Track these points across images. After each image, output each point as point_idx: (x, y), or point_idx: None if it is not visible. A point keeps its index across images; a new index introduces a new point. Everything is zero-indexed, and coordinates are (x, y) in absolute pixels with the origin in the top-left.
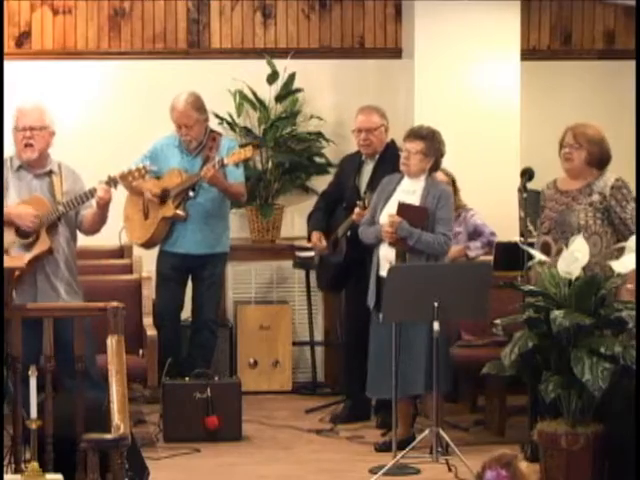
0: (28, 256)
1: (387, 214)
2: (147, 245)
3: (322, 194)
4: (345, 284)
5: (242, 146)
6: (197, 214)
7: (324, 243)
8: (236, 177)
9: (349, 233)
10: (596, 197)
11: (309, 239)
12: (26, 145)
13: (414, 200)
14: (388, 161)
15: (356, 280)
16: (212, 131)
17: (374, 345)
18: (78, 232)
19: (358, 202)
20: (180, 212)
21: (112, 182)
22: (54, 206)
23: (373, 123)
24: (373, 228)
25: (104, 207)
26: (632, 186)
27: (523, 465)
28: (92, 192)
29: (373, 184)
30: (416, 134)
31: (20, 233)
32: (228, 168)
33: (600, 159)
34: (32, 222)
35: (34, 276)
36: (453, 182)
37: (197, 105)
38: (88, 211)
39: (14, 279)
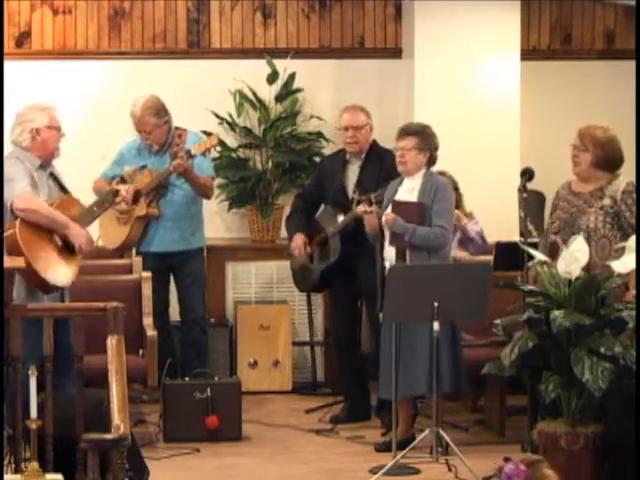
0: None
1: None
2: (124, 247)
3: (299, 196)
4: (330, 284)
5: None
6: (171, 212)
7: (308, 250)
8: (203, 170)
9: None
10: (607, 201)
11: (290, 241)
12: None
13: (413, 198)
14: (374, 159)
15: (345, 279)
16: (177, 128)
17: (389, 347)
18: None
19: (363, 199)
20: (153, 210)
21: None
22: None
23: (360, 121)
24: None
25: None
26: None
27: (548, 471)
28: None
29: (362, 183)
30: (406, 131)
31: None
32: (197, 162)
33: (606, 161)
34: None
35: None
36: (456, 189)
37: (154, 110)
38: None
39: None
